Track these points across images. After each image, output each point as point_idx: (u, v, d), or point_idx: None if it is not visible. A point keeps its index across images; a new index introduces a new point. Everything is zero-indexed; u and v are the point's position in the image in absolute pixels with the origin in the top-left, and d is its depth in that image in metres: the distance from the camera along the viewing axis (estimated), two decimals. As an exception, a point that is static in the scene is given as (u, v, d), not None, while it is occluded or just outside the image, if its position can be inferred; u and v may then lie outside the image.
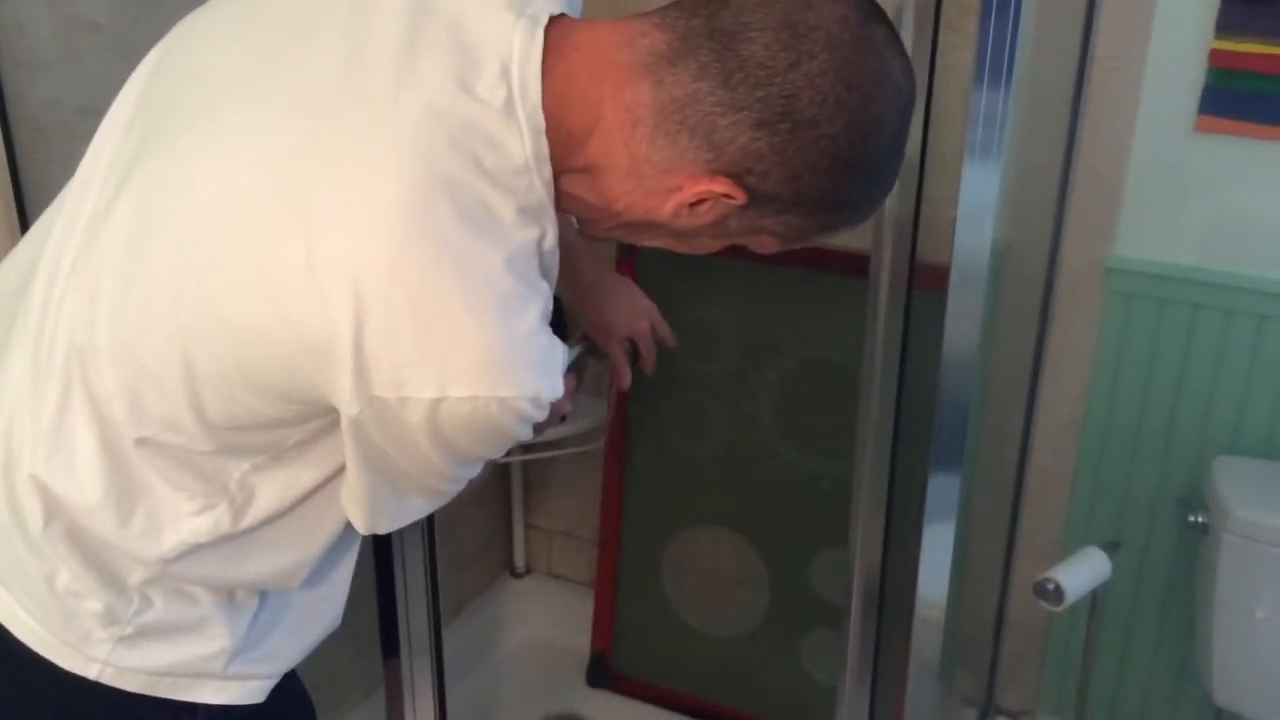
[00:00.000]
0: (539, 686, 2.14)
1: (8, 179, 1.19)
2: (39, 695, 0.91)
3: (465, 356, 0.74)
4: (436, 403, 0.74)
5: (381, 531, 0.89)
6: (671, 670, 2.05)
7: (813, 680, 1.91)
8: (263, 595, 0.95)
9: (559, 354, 0.79)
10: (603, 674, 2.11)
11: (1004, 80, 0.97)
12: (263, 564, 0.91)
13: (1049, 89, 1.62)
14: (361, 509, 0.86)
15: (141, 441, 0.82)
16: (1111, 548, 1.52)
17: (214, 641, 0.92)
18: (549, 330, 0.79)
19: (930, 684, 1.20)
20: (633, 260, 1.93)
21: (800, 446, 1.85)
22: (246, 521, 0.87)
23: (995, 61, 0.96)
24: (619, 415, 1.99)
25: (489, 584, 2.26)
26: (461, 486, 0.88)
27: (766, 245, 0.86)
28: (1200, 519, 1.59)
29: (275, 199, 0.75)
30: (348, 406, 0.75)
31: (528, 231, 0.78)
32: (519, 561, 2.31)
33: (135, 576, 0.87)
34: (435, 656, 1.29)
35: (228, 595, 0.92)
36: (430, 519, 1.21)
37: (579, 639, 2.14)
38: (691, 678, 2.03)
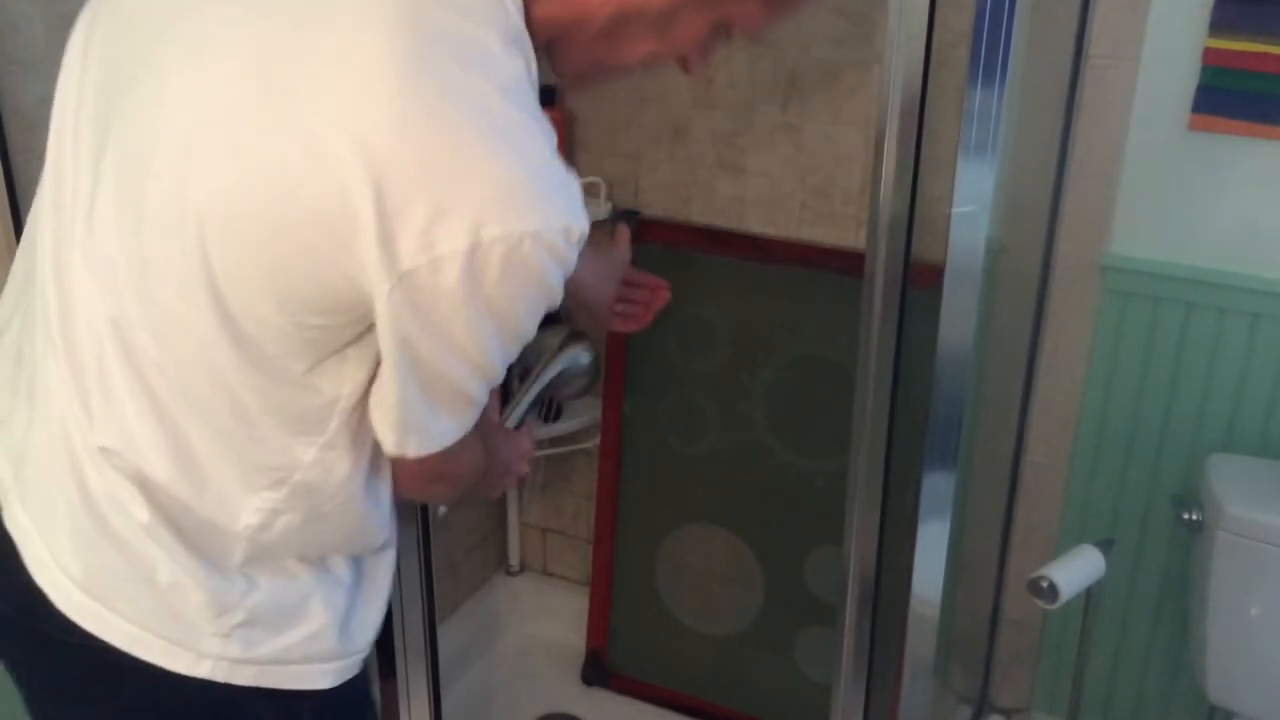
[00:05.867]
0: (534, 685, 2.14)
1: (1, 176, 1.19)
2: (139, 704, 0.89)
3: (488, 193, 0.72)
4: (470, 252, 0.72)
5: (410, 453, 0.84)
6: (666, 668, 2.05)
7: (807, 678, 1.91)
8: (353, 564, 0.94)
9: (578, 188, 0.78)
10: (598, 672, 2.11)
11: (998, 78, 0.97)
12: (347, 525, 0.90)
13: (1043, 87, 1.63)
14: (392, 423, 0.82)
15: (198, 422, 0.81)
16: (1106, 545, 1.52)
17: (315, 620, 0.91)
18: (561, 162, 0.78)
19: (925, 681, 1.20)
20: (628, 258, 1.93)
21: (795, 444, 1.85)
22: (321, 492, 0.86)
23: (990, 60, 0.96)
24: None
25: (484, 582, 2.26)
26: (486, 401, 0.85)
27: (752, 17, 0.84)
28: (1195, 516, 1.59)
29: (258, 89, 0.74)
30: (379, 285, 0.73)
31: (515, 61, 0.77)
32: (514, 560, 2.31)
33: (236, 555, 0.86)
34: (430, 655, 1.29)
35: (323, 568, 0.92)
36: (424, 517, 1.21)
37: (574, 637, 2.14)
38: (686, 675, 2.03)
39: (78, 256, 0.83)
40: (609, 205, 1.93)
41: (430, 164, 0.72)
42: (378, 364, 0.82)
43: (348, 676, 0.95)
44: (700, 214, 1.90)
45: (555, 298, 0.79)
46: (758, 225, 1.85)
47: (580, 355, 1.53)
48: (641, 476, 2.01)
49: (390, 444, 0.84)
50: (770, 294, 1.83)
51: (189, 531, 0.85)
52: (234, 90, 0.76)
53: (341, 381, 0.82)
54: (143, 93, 0.81)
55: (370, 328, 0.79)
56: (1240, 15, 1.50)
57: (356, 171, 0.71)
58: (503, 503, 2.26)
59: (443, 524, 2.01)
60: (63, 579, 0.85)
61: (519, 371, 1.66)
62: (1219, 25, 1.51)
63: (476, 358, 0.79)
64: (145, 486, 0.83)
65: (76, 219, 0.84)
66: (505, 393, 1.58)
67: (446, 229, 0.72)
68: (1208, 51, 1.53)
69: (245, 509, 0.85)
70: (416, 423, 0.83)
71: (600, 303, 1.20)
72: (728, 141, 1.84)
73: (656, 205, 1.93)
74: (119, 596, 0.85)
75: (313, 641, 0.91)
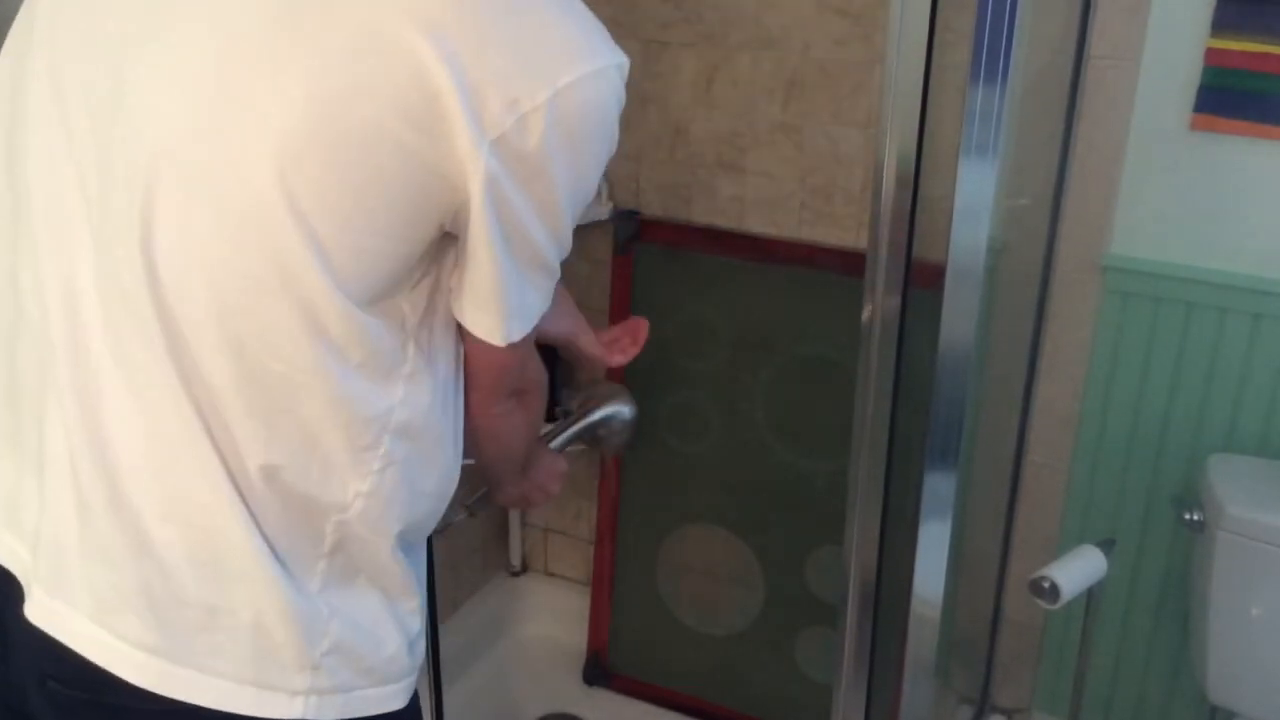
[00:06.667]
0: (535, 685, 2.14)
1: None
2: None
3: (553, 42, 0.76)
4: (551, 102, 0.75)
5: (514, 338, 0.85)
6: (667, 669, 2.05)
7: (808, 678, 1.91)
8: (415, 580, 0.93)
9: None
10: (599, 672, 2.11)
11: (1000, 78, 0.97)
12: (439, 467, 0.90)
13: (1044, 87, 1.63)
14: (495, 310, 0.83)
15: (295, 408, 0.80)
16: (1107, 545, 1.52)
17: (390, 641, 0.91)
18: None
19: (926, 682, 1.20)
20: (629, 258, 1.93)
21: (796, 444, 1.85)
22: (414, 429, 0.85)
23: (991, 59, 0.96)
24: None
25: (485, 582, 2.26)
26: (559, 275, 0.86)
27: None
28: (1195, 517, 1.59)
29: (286, 6, 0.74)
30: (472, 163, 0.74)
31: None
32: (515, 560, 2.31)
33: (315, 579, 0.85)
34: (432, 655, 1.29)
35: (391, 592, 0.90)
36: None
37: (575, 637, 2.14)
38: (687, 676, 2.03)
39: (136, 293, 0.78)
40: (609, 205, 1.93)
41: (494, 26, 0.74)
42: (433, 271, 0.83)
43: (413, 690, 0.95)
44: (701, 214, 1.90)
45: (615, 141, 0.82)
46: (758, 225, 1.85)
47: (624, 409, 1.71)
48: (642, 477, 2.01)
49: (498, 334, 0.85)
50: (771, 294, 1.83)
51: (283, 546, 0.83)
52: (262, 17, 0.74)
53: (414, 299, 0.83)
54: (145, 81, 0.78)
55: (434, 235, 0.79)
56: (1242, 15, 1.50)
57: (428, 52, 0.72)
58: (504, 503, 2.26)
59: (445, 524, 2.01)
60: (136, 653, 0.82)
61: (562, 411, 1.79)
62: (1220, 25, 1.51)
63: (555, 217, 0.81)
64: (242, 493, 0.81)
65: (113, 247, 0.79)
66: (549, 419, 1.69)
67: (527, 85, 0.74)
68: (1209, 52, 1.53)
69: (354, 475, 0.83)
70: (515, 302, 0.84)
71: (560, 333, 1.20)
72: (728, 141, 1.84)
73: (657, 205, 1.93)
74: (204, 653, 0.82)
75: (390, 663, 0.91)
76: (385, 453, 0.84)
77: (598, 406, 1.76)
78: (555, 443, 1.67)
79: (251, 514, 0.81)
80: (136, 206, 0.77)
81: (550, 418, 1.86)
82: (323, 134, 0.73)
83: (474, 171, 0.75)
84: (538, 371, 0.99)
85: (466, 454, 0.96)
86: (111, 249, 0.79)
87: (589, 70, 0.76)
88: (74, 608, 0.83)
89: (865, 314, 1.10)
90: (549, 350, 0.88)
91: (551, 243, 0.83)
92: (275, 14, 0.75)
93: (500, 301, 0.83)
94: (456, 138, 0.74)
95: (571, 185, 0.81)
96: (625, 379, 1.96)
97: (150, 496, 0.81)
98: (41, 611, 0.84)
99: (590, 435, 1.77)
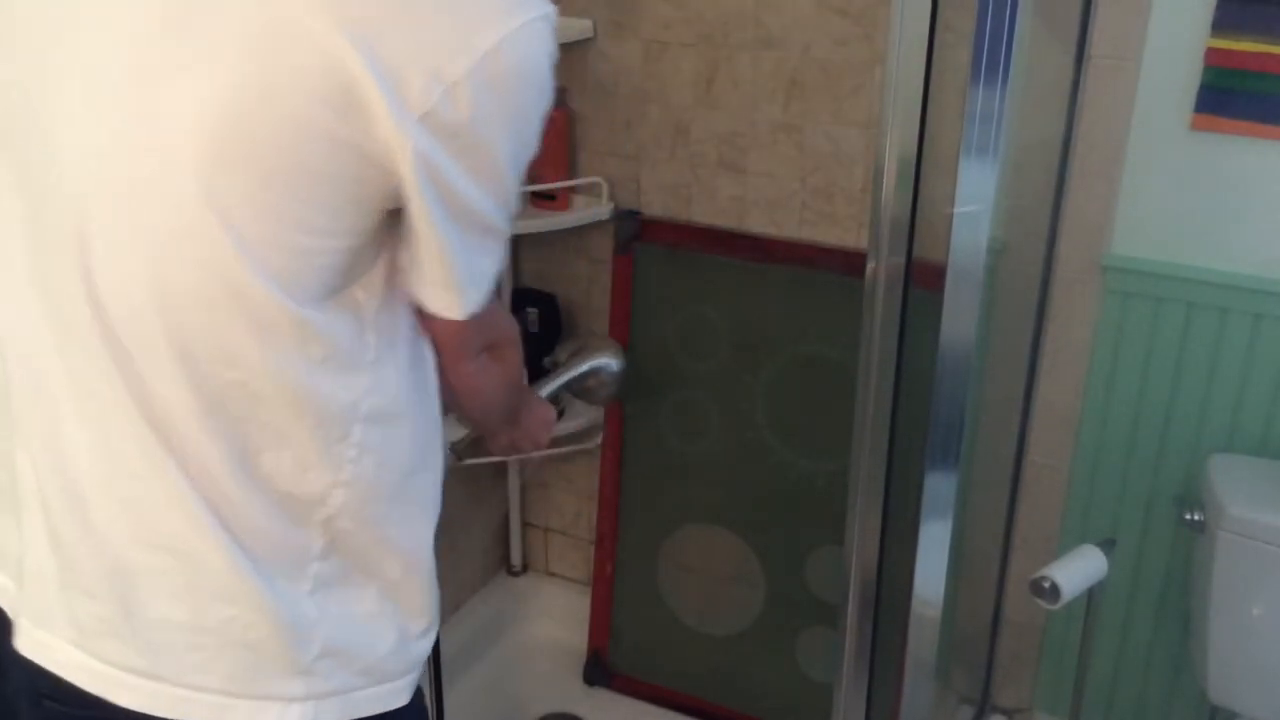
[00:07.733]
0: (536, 684, 2.14)
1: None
2: None
3: (472, 5, 0.73)
4: (477, 69, 0.73)
5: (472, 309, 0.83)
6: (668, 668, 2.05)
7: (808, 678, 1.91)
8: (422, 575, 0.92)
9: None
10: (599, 672, 2.11)
11: (1000, 79, 0.97)
12: (418, 443, 0.88)
13: (1045, 87, 1.63)
14: (447, 286, 0.81)
15: (260, 415, 0.79)
16: (1108, 546, 1.52)
17: (385, 638, 0.89)
18: None
19: (926, 682, 1.20)
20: (630, 258, 1.93)
21: (796, 444, 1.85)
22: (386, 415, 0.84)
23: (992, 60, 0.96)
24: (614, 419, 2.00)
25: (486, 582, 2.26)
26: (509, 235, 0.85)
27: None
28: (1196, 517, 1.59)
29: (186, 7, 0.72)
30: (402, 142, 0.72)
31: None
32: (516, 560, 2.31)
33: (306, 582, 0.84)
34: (433, 655, 1.29)
35: (390, 588, 0.89)
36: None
37: (575, 637, 2.14)
38: (687, 676, 2.03)
39: (81, 323, 0.77)
40: (610, 205, 1.93)
41: (404, 3, 0.71)
42: (385, 254, 0.81)
43: (413, 690, 0.94)
44: (701, 214, 1.90)
45: (549, 95, 0.79)
46: (759, 225, 1.85)
47: (611, 362, 1.71)
48: (643, 476, 2.01)
49: (456, 309, 0.83)
50: (771, 294, 1.83)
51: (266, 555, 0.82)
52: (162, 22, 0.73)
53: (369, 286, 0.82)
54: (56, 99, 0.76)
55: (375, 219, 0.78)
56: (1242, 15, 1.50)
57: (336, 39, 0.69)
58: (504, 502, 2.26)
59: (445, 524, 2.01)
60: (125, 677, 0.82)
61: (551, 362, 1.77)
62: (1221, 25, 1.51)
63: (498, 181, 0.79)
64: (218, 511, 0.80)
65: (52, 277, 0.78)
66: (537, 375, 1.69)
67: (447, 55, 0.72)
68: (1210, 52, 1.53)
69: (328, 469, 0.82)
70: (465, 274, 0.82)
71: None
72: (729, 141, 1.84)
73: (657, 205, 1.93)
74: (193, 671, 0.82)
75: (387, 660, 0.90)
76: (358, 441, 0.83)
77: (586, 358, 1.76)
78: (543, 392, 1.66)
79: (228, 529, 0.80)
80: (70, 236, 0.76)
81: (541, 370, 1.86)
82: (241, 138, 0.72)
83: (402, 152, 0.73)
84: (508, 325, 0.97)
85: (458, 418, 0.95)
86: (51, 279, 0.78)
87: (511, 28, 0.74)
88: (59, 637, 0.83)
89: (865, 314, 1.10)
90: (546, 308, 0.86)
91: (497, 207, 0.81)
92: (174, 17, 0.72)
93: (452, 276, 0.81)
94: (379, 121, 0.72)
95: (512, 147, 0.78)
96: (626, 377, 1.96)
97: (120, 526, 0.80)
98: (29, 642, 0.85)
99: (579, 386, 1.76)
